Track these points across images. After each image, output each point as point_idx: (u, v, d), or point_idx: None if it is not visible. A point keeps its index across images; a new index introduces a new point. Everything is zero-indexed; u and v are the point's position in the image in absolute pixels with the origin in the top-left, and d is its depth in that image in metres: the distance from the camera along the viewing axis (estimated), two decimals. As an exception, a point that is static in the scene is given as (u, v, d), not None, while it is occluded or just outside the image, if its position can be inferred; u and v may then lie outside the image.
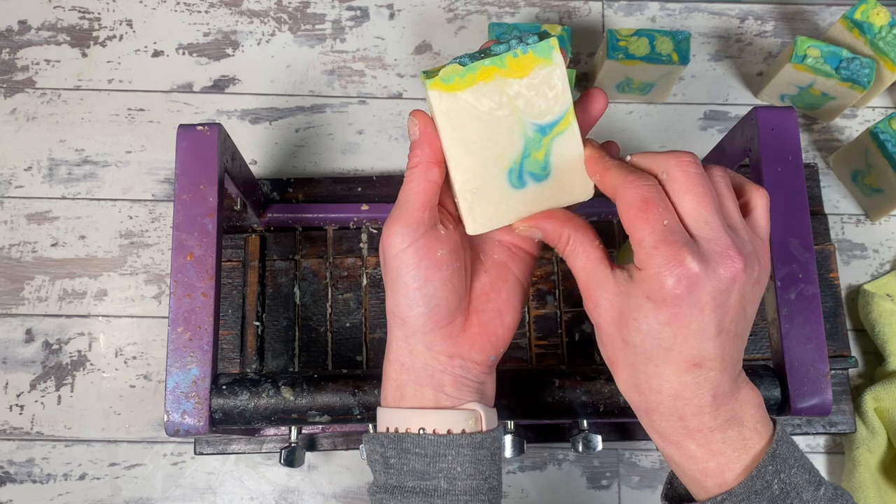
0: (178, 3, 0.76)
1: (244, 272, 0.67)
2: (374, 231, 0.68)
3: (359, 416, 0.49)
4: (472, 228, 0.40)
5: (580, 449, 0.57)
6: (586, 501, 0.66)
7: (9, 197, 0.71)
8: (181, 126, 0.52)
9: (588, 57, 0.76)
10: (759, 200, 0.39)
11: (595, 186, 0.40)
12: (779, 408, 0.50)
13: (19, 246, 0.70)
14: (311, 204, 0.68)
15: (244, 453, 0.65)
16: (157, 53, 0.75)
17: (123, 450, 0.66)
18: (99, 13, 0.76)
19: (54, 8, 0.76)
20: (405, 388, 0.41)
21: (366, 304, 0.67)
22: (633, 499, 0.66)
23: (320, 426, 0.64)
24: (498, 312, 0.42)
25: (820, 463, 0.67)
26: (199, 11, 0.76)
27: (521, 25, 0.68)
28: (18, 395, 0.67)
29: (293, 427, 0.59)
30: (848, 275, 0.71)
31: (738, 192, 0.39)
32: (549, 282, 0.68)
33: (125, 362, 0.68)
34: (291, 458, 0.59)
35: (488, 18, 0.77)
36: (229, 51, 0.75)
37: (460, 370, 0.41)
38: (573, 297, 0.67)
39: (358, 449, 0.64)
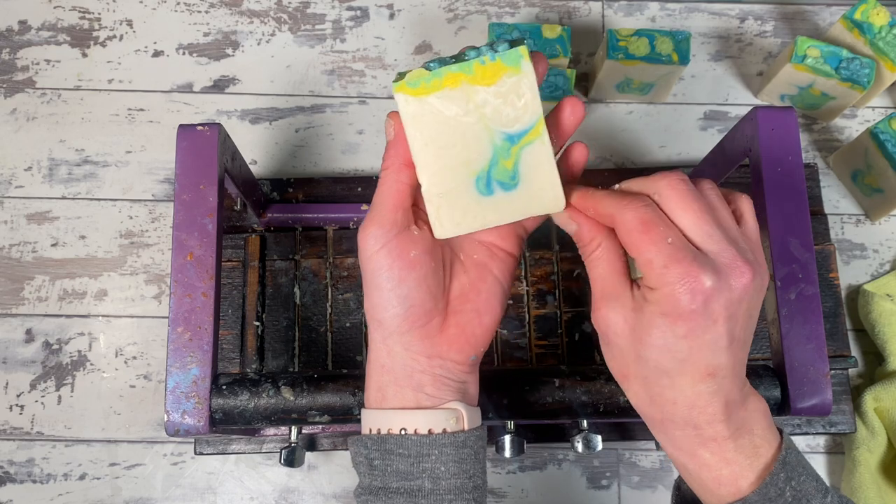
0: (178, 3, 0.76)
1: (244, 272, 0.67)
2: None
3: (358, 417, 0.49)
4: (439, 232, 0.40)
5: (580, 449, 0.57)
6: (586, 501, 0.66)
7: (9, 197, 0.71)
8: (181, 126, 0.52)
9: (588, 57, 0.76)
10: (746, 205, 0.40)
11: (566, 198, 0.40)
12: (779, 408, 0.50)
13: (19, 246, 0.70)
14: (311, 204, 0.68)
15: (244, 453, 0.65)
16: (157, 53, 0.75)
17: (123, 450, 0.66)
18: (99, 13, 0.76)
19: (54, 8, 0.76)
20: (386, 390, 0.41)
21: (366, 304, 0.67)
22: (633, 499, 0.66)
23: (320, 426, 0.64)
24: (477, 312, 0.42)
25: (820, 463, 0.67)
26: (200, 11, 0.76)
27: (521, 25, 0.68)
28: (18, 395, 0.67)
29: (293, 427, 0.59)
30: (848, 275, 0.71)
31: (726, 202, 0.40)
32: (549, 282, 0.68)
33: (125, 362, 0.68)
34: (291, 458, 0.59)
35: (488, 18, 0.77)
36: (229, 51, 0.75)
37: (440, 370, 0.41)
38: (573, 297, 0.67)
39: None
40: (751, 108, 0.54)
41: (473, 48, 0.37)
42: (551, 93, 0.69)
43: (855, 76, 0.67)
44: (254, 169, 0.72)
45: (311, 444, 0.64)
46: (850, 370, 0.67)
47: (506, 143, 0.38)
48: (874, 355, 0.69)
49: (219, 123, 0.52)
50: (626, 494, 0.66)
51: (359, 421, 0.50)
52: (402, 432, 0.40)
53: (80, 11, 0.76)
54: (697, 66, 0.76)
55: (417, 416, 0.40)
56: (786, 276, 0.50)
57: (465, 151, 0.38)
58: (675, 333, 0.36)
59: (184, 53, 0.75)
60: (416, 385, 0.41)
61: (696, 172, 0.66)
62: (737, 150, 0.56)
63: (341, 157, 0.73)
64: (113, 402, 0.67)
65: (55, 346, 0.68)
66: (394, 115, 0.39)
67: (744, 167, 0.55)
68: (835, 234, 0.72)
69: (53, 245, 0.70)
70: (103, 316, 0.69)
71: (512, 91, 0.37)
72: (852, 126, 0.75)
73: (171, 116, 0.73)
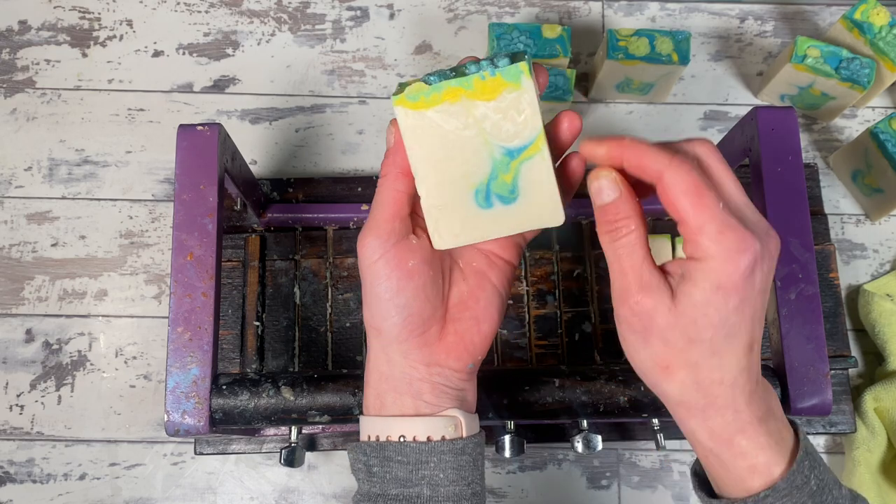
0: (178, 3, 0.76)
1: (244, 272, 0.67)
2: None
3: (358, 416, 0.49)
4: (438, 243, 0.40)
5: (580, 449, 0.57)
6: (586, 501, 0.66)
7: (9, 197, 0.71)
8: (181, 126, 0.52)
9: (588, 57, 0.76)
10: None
11: (602, 146, 0.37)
12: (779, 408, 0.50)
13: (19, 246, 0.70)
14: (311, 204, 0.68)
15: (244, 453, 0.65)
16: (157, 53, 0.75)
17: (123, 450, 0.66)
18: (99, 13, 0.76)
19: (54, 8, 0.76)
20: (385, 397, 0.41)
21: (366, 304, 0.67)
22: (633, 499, 0.66)
23: (320, 426, 0.64)
24: (475, 321, 0.42)
25: (820, 463, 0.67)
26: (200, 11, 0.76)
27: (521, 25, 0.68)
28: (18, 395, 0.67)
29: (293, 427, 0.59)
30: (848, 275, 0.71)
31: None
32: (549, 282, 0.68)
33: (125, 362, 0.68)
34: (291, 458, 0.59)
35: (488, 18, 0.77)
36: (229, 51, 0.75)
37: (438, 378, 0.41)
38: (573, 297, 0.67)
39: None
40: (751, 108, 0.54)
41: (474, 62, 0.37)
42: (551, 93, 0.69)
43: (855, 76, 0.67)
44: (254, 169, 0.72)
45: (311, 444, 0.64)
46: (850, 370, 0.67)
47: (505, 158, 0.38)
48: (874, 355, 0.69)
49: (219, 123, 0.52)
50: (626, 494, 0.66)
51: (359, 421, 0.50)
52: (401, 439, 0.40)
53: (80, 11, 0.76)
54: (697, 66, 0.76)
55: (416, 424, 0.40)
56: (786, 276, 0.50)
57: (465, 165, 0.38)
58: (728, 307, 0.35)
59: (184, 53, 0.75)
60: (414, 392, 0.41)
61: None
62: (737, 150, 0.56)
63: (341, 157, 0.73)
64: (113, 402, 0.67)
65: (55, 346, 0.68)
66: (396, 122, 0.39)
67: (744, 167, 0.55)
68: (835, 234, 0.72)
69: (53, 245, 0.70)
70: (103, 316, 0.69)
71: (512, 107, 0.37)
72: (852, 126, 0.75)
73: (171, 116, 0.73)
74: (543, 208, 0.39)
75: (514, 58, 0.37)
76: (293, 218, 0.68)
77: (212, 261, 0.49)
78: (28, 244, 0.70)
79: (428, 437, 0.40)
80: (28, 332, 0.68)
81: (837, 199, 0.73)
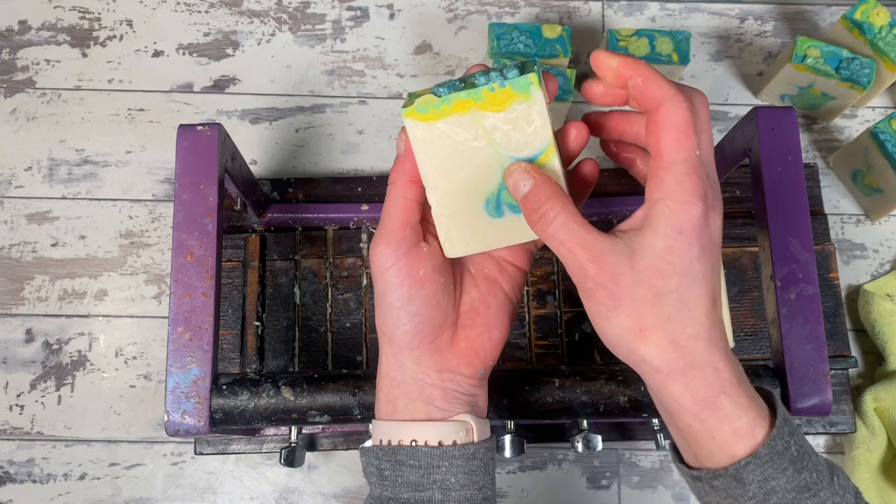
0: (178, 3, 0.76)
1: (244, 272, 0.67)
2: (374, 231, 0.68)
3: (359, 416, 0.49)
4: (449, 252, 0.41)
5: (580, 449, 0.57)
6: (586, 501, 0.66)
7: (9, 197, 0.71)
8: (181, 126, 0.52)
9: (588, 57, 0.76)
10: None
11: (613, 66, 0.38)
12: (779, 408, 0.50)
13: (19, 246, 0.70)
14: (311, 204, 0.69)
15: (244, 453, 0.65)
16: (157, 53, 0.75)
17: (123, 450, 0.66)
18: (99, 13, 0.76)
19: (54, 8, 0.76)
20: (397, 402, 0.41)
21: (366, 304, 0.67)
22: (633, 499, 0.66)
23: (320, 426, 0.64)
24: (486, 327, 0.42)
25: (820, 463, 0.67)
26: (200, 11, 0.76)
27: (521, 25, 0.68)
28: (18, 395, 0.67)
29: (293, 427, 0.59)
30: (848, 275, 0.71)
31: None
32: (549, 282, 0.68)
33: (125, 362, 0.68)
34: (291, 458, 0.59)
35: (488, 18, 0.77)
36: (229, 51, 0.75)
37: (450, 384, 0.41)
38: (573, 297, 0.67)
39: (358, 449, 0.64)
40: (751, 108, 0.54)
41: (483, 72, 0.37)
42: (551, 93, 0.69)
43: (855, 76, 0.67)
44: (254, 169, 0.72)
45: (311, 444, 0.64)
46: (850, 370, 0.67)
47: None
48: (874, 355, 0.69)
49: (219, 123, 0.52)
50: (626, 494, 0.66)
51: (359, 421, 0.50)
52: (413, 444, 0.40)
53: (80, 11, 0.76)
54: (697, 66, 0.76)
55: (428, 428, 0.40)
56: (786, 276, 0.50)
57: (475, 175, 0.39)
58: (690, 255, 0.35)
59: (184, 53, 0.75)
60: (426, 398, 0.41)
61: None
62: (737, 150, 0.56)
63: (341, 157, 0.73)
64: (113, 402, 0.67)
65: (55, 346, 0.68)
66: (406, 130, 0.39)
67: (744, 167, 0.55)
68: (835, 234, 0.72)
69: (53, 245, 0.70)
70: (103, 316, 0.69)
71: (522, 117, 0.37)
72: (852, 126, 0.75)
73: (171, 116, 0.73)
74: None
75: (524, 68, 0.37)
76: (293, 218, 0.68)
77: (212, 261, 0.49)
78: (28, 244, 0.70)
79: (439, 442, 0.40)
80: (28, 332, 0.68)
81: (837, 199, 0.73)
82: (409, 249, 0.40)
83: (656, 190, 0.36)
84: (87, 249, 0.70)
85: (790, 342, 0.49)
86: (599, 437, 0.58)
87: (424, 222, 0.41)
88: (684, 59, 0.68)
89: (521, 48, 0.68)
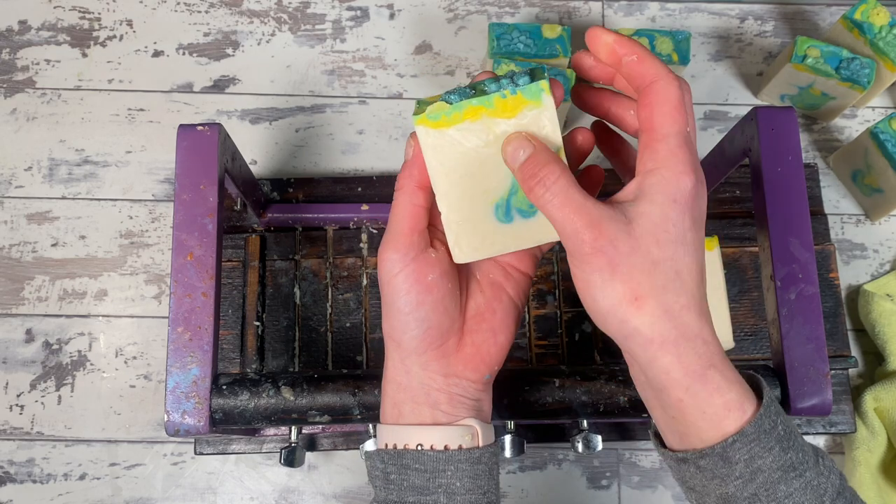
0: (178, 3, 0.76)
1: (244, 272, 0.67)
2: (375, 231, 0.68)
3: (359, 416, 0.49)
4: (458, 257, 0.41)
5: (580, 449, 0.57)
6: (586, 501, 0.66)
7: (9, 197, 0.71)
8: (181, 126, 0.52)
9: (588, 57, 0.76)
10: None
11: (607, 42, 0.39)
12: (779, 408, 0.50)
13: (19, 246, 0.70)
14: (311, 204, 0.69)
15: (244, 453, 0.65)
16: (157, 53, 0.75)
17: (123, 450, 0.66)
18: (99, 13, 0.76)
19: (54, 8, 0.76)
20: (402, 406, 0.42)
21: (366, 304, 0.67)
22: (633, 499, 0.66)
23: (320, 426, 0.64)
24: (492, 332, 0.42)
25: (820, 463, 0.67)
26: (200, 11, 0.76)
27: (521, 25, 0.68)
28: (18, 395, 0.67)
29: (293, 427, 0.59)
30: (848, 275, 0.71)
31: None
32: (549, 282, 0.68)
33: (125, 362, 0.68)
34: (291, 458, 0.59)
35: (488, 18, 0.77)
36: (229, 51, 0.75)
37: (456, 388, 0.41)
38: (573, 297, 0.67)
39: (358, 449, 0.64)
40: (751, 108, 0.54)
41: (493, 79, 0.38)
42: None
43: (855, 76, 0.67)
44: (254, 169, 0.72)
45: (311, 444, 0.64)
46: (850, 370, 0.67)
47: None
48: (874, 355, 0.69)
49: (219, 123, 0.52)
50: (626, 494, 0.66)
51: (359, 421, 0.50)
52: (419, 448, 0.40)
53: (80, 11, 0.76)
54: (697, 66, 0.76)
55: (433, 433, 0.40)
56: (786, 276, 0.50)
57: (485, 181, 0.39)
58: (684, 223, 0.36)
59: (184, 53, 0.75)
60: (432, 402, 0.41)
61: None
62: (737, 150, 0.56)
63: (341, 157, 0.73)
64: (113, 402, 0.67)
65: (55, 346, 0.68)
66: (415, 136, 0.39)
67: (744, 167, 0.55)
68: (835, 234, 0.72)
69: (53, 245, 0.70)
70: (103, 316, 0.69)
71: (532, 123, 0.38)
72: (852, 126, 0.75)
73: (171, 116, 0.73)
74: None
75: (534, 75, 0.37)
76: (293, 218, 0.68)
77: (212, 261, 0.49)
78: (28, 244, 0.70)
79: (445, 446, 0.40)
80: (28, 332, 0.68)
81: (837, 199, 0.73)
82: (417, 255, 0.40)
83: (650, 161, 0.36)
84: (87, 249, 0.70)
85: (790, 342, 0.49)
86: (599, 437, 0.58)
87: (431, 228, 0.41)
88: (684, 59, 0.68)
89: (521, 48, 0.68)
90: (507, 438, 0.57)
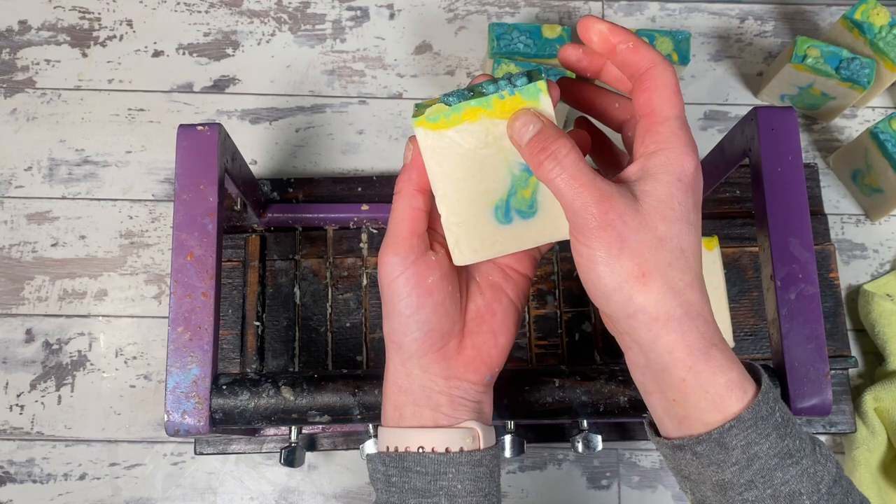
0: (178, 3, 0.76)
1: (244, 272, 0.67)
2: (375, 231, 0.68)
3: (359, 417, 0.49)
4: (458, 259, 0.41)
5: (580, 449, 0.57)
6: (586, 501, 0.66)
7: (9, 197, 0.71)
8: (181, 126, 0.52)
9: (588, 57, 0.76)
10: None
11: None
12: (779, 408, 0.50)
13: (19, 246, 0.70)
14: (311, 204, 0.69)
15: (244, 453, 0.65)
16: (157, 53, 0.75)
17: (123, 450, 0.66)
18: (99, 13, 0.76)
19: (54, 8, 0.76)
20: (404, 409, 0.42)
21: (366, 304, 0.67)
22: (633, 499, 0.66)
23: (320, 426, 0.64)
24: (493, 334, 0.42)
25: (820, 463, 0.67)
26: (200, 11, 0.76)
27: (521, 25, 0.68)
28: (18, 395, 0.67)
29: (293, 427, 0.59)
30: (848, 275, 0.71)
31: None
32: (549, 282, 0.68)
33: (125, 362, 0.68)
34: (291, 458, 0.59)
35: (488, 18, 0.77)
36: (229, 51, 0.75)
37: (457, 390, 0.41)
38: (573, 297, 0.67)
39: (358, 449, 0.64)
40: (751, 108, 0.54)
41: (491, 81, 0.38)
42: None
43: (855, 76, 0.67)
44: (254, 169, 0.72)
45: (311, 444, 0.64)
46: (850, 370, 0.67)
47: (524, 174, 0.39)
48: (874, 355, 0.69)
49: (219, 123, 0.52)
50: (626, 494, 0.66)
51: (359, 421, 0.50)
52: (420, 450, 0.40)
53: (80, 11, 0.76)
54: (697, 66, 0.76)
55: (435, 435, 0.41)
56: (786, 276, 0.50)
57: (484, 182, 0.39)
58: (688, 202, 0.36)
59: (184, 53, 0.75)
60: (433, 405, 0.41)
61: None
62: (737, 150, 0.56)
63: (341, 157, 0.73)
64: (113, 402, 0.67)
65: (55, 346, 0.68)
66: (414, 139, 0.39)
67: (744, 167, 0.55)
68: (835, 234, 0.72)
69: (53, 245, 0.70)
70: (103, 316, 0.69)
71: None
72: (852, 126, 0.75)
73: (171, 116, 0.73)
74: (561, 220, 0.39)
75: (531, 76, 0.38)
76: (293, 218, 0.68)
77: (212, 261, 0.49)
78: (28, 244, 0.70)
79: (446, 449, 0.40)
80: (28, 332, 0.68)
81: (837, 199, 0.73)
82: (418, 258, 0.40)
83: (652, 143, 0.37)
84: (87, 249, 0.70)
85: (790, 342, 0.49)
86: (599, 437, 0.58)
87: (431, 230, 0.42)
88: (684, 59, 0.68)
89: (521, 48, 0.68)
90: (508, 438, 0.57)
